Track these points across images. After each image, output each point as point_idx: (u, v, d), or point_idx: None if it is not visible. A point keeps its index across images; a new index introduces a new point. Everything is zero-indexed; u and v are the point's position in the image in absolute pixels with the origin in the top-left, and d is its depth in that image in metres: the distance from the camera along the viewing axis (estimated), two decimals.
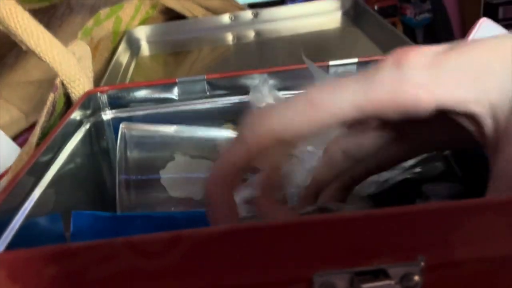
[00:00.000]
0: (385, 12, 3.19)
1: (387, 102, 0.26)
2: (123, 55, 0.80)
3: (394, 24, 3.37)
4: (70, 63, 0.50)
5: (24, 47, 0.50)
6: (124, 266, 0.23)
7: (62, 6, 0.73)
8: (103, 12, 0.70)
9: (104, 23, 0.70)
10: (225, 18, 0.86)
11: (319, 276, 0.23)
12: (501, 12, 2.99)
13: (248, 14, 0.87)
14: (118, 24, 0.76)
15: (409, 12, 3.23)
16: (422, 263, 0.23)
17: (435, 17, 3.33)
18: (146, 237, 0.23)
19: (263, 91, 0.51)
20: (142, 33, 0.86)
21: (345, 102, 0.27)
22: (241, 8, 0.91)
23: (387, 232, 0.23)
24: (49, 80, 0.69)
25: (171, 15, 0.87)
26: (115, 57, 0.75)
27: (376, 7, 3.24)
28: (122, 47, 0.80)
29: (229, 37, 0.87)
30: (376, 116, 0.27)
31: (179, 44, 0.85)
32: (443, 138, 0.33)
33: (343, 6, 0.89)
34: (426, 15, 3.27)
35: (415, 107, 0.26)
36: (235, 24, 0.87)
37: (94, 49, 0.68)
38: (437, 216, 0.23)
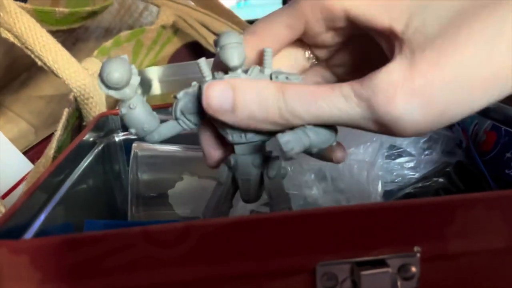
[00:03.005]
0: None
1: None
2: None
3: None
4: (85, 81, 0.52)
5: (39, 63, 0.52)
6: (138, 254, 0.24)
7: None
8: (124, 34, 0.72)
9: (124, 45, 0.72)
10: None
11: (322, 266, 0.25)
12: None
13: None
14: (139, 48, 0.78)
15: None
16: (418, 255, 0.25)
17: None
18: (160, 227, 0.24)
19: None
20: (153, 73, 0.89)
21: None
22: None
23: (385, 224, 0.25)
24: (60, 95, 0.71)
25: (189, 39, 0.90)
26: None
27: None
28: None
29: None
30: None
31: (190, 83, 0.88)
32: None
33: None
34: None
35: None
36: None
37: None
38: (433, 209, 0.25)
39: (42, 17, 0.57)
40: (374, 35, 0.27)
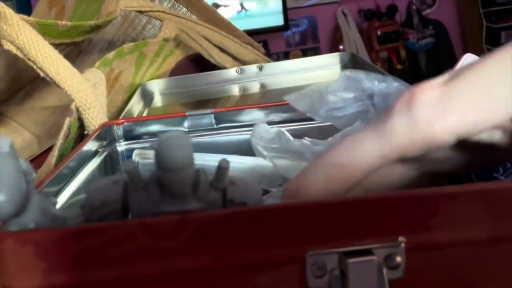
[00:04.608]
0: (388, 38, 3.18)
1: (408, 145, 0.27)
2: (136, 106, 0.84)
3: (397, 49, 3.32)
4: (86, 91, 0.54)
5: (42, 74, 0.54)
6: (139, 245, 0.25)
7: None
8: (127, 46, 0.74)
9: (127, 57, 0.74)
10: (232, 71, 0.92)
11: (311, 255, 0.26)
12: (503, 36, 3.02)
13: (253, 68, 0.93)
14: (142, 60, 0.80)
15: (412, 37, 3.25)
16: (403, 245, 0.26)
17: (437, 42, 3.32)
18: (158, 219, 0.26)
19: (265, 125, 0.55)
20: (155, 86, 0.91)
21: (367, 157, 0.28)
22: (266, 60, 0.97)
23: (372, 215, 0.26)
24: (63, 106, 0.73)
25: (191, 52, 0.92)
26: (127, 108, 0.79)
27: (379, 33, 3.24)
28: (135, 98, 0.83)
29: (236, 89, 0.92)
30: (401, 157, 0.28)
31: (190, 96, 0.91)
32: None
33: (342, 60, 0.94)
34: (429, 40, 3.28)
35: (434, 142, 0.27)
36: (242, 77, 0.93)
37: (114, 79, 0.72)
38: (417, 201, 0.26)
39: (44, 30, 0.58)
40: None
